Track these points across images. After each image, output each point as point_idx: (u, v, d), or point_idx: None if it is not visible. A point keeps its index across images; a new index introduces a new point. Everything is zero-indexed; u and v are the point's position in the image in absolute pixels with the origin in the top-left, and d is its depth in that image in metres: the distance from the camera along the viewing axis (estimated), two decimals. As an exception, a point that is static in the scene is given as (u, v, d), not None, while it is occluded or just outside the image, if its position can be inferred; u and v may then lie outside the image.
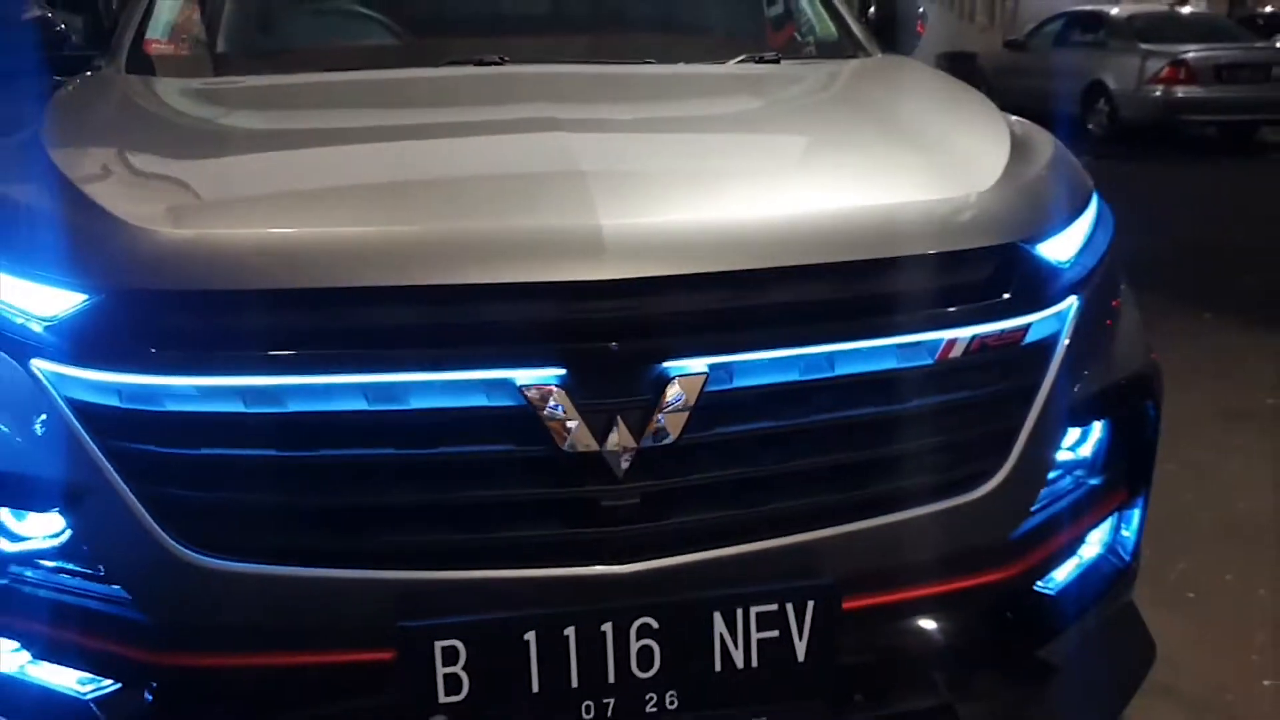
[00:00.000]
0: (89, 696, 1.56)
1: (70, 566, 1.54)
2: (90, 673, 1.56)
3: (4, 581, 1.56)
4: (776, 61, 2.59)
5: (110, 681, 1.55)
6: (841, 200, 1.63)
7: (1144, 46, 12.77)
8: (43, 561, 1.55)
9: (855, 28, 2.78)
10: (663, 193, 1.65)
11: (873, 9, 2.95)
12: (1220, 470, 3.53)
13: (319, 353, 1.42)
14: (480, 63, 2.35)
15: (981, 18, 19.82)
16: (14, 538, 1.58)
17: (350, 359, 1.42)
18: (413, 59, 2.51)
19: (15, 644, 1.60)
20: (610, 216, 1.47)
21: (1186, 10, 15.76)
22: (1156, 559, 2.37)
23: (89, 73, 2.50)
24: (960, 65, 13.81)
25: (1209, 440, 3.73)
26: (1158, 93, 12.32)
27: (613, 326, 1.44)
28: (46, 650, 1.58)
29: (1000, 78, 14.07)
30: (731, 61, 2.54)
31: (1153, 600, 2.12)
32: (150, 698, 1.53)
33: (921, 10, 3.16)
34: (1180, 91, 12.18)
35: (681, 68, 2.51)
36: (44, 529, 1.55)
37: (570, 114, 1.97)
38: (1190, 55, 12.34)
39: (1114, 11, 14.40)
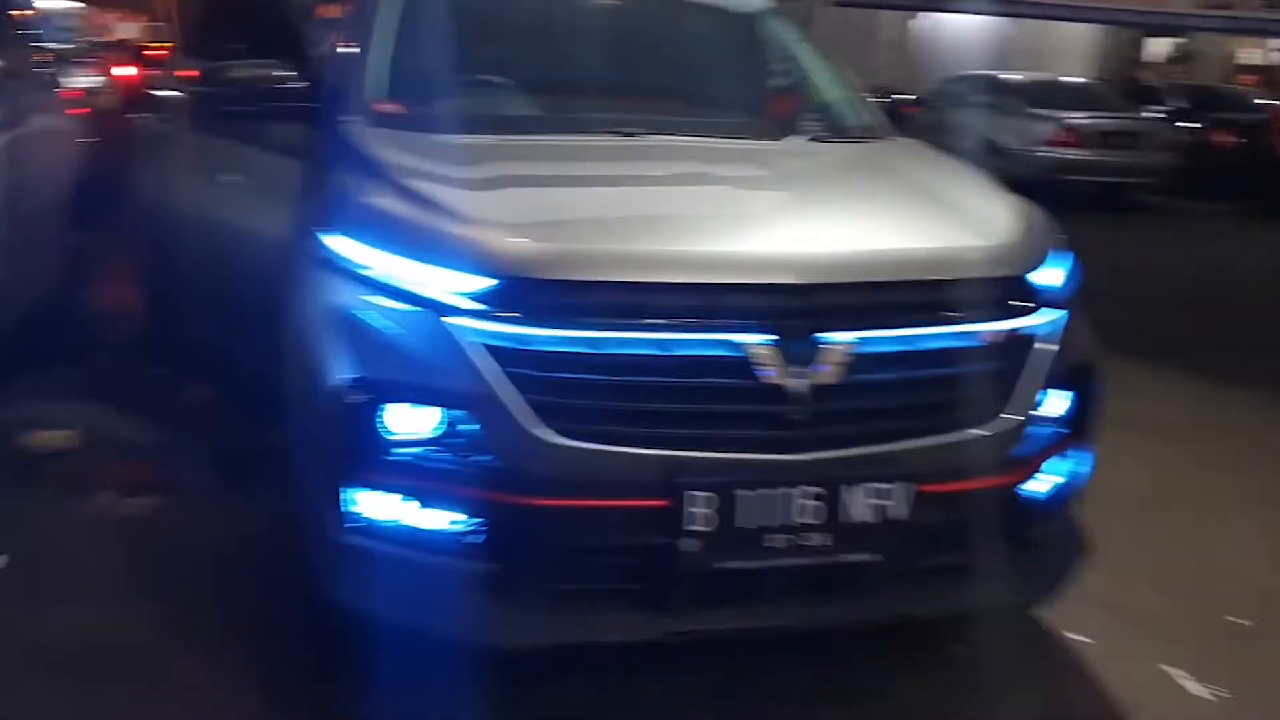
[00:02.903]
0: (460, 529, 2.46)
1: (452, 446, 2.42)
2: (464, 515, 2.44)
3: (407, 459, 2.46)
4: (826, 139, 3.64)
5: (479, 519, 2.44)
6: (927, 242, 2.69)
7: (1034, 111, 13.94)
8: (431, 445, 2.45)
9: (883, 117, 3.84)
10: (818, 230, 2.68)
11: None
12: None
13: (629, 319, 2.38)
14: (618, 133, 3.30)
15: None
16: (391, 432, 2.46)
17: (647, 322, 2.38)
18: (571, 127, 3.42)
19: (402, 497, 2.47)
20: (794, 246, 2.50)
21: (1069, 79, 17.16)
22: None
23: (343, 122, 3.22)
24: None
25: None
26: (1045, 153, 13.45)
27: (799, 311, 2.43)
28: (432, 501, 2.46)
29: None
30: (802, 139, 3.58)
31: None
32: (507, 527, 2.43)
33: None
34: (1070, 154, 13.49)
35: (768, 143, 3.56)
36: (433, 423, 2.45)
37: (718, 171, 3.01)
38: (1079, 122, 13.65)
39: (1006, 76, 15.62)
